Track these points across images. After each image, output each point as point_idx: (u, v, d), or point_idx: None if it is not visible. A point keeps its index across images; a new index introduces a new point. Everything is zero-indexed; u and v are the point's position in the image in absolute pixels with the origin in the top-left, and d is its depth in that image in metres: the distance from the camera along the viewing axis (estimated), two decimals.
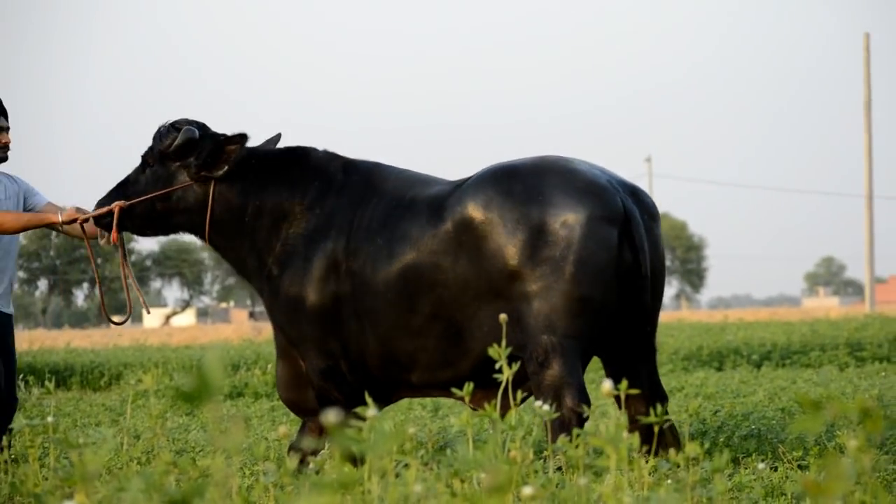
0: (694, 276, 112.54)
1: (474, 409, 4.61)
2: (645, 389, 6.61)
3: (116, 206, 7.14)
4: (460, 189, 6.72)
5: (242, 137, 7.07)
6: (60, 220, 7.30)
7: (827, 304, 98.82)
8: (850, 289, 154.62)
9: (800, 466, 6.58)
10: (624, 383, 4.01)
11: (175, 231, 7.36)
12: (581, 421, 6.22)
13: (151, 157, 7.20)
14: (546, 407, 4.28)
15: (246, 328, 45.93)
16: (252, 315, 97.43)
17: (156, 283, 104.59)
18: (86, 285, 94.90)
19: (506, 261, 6.45)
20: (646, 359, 6.70)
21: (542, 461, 4.77)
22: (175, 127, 7.12)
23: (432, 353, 6.67)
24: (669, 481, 4.05)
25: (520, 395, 4.29)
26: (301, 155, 7.19)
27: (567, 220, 6.40)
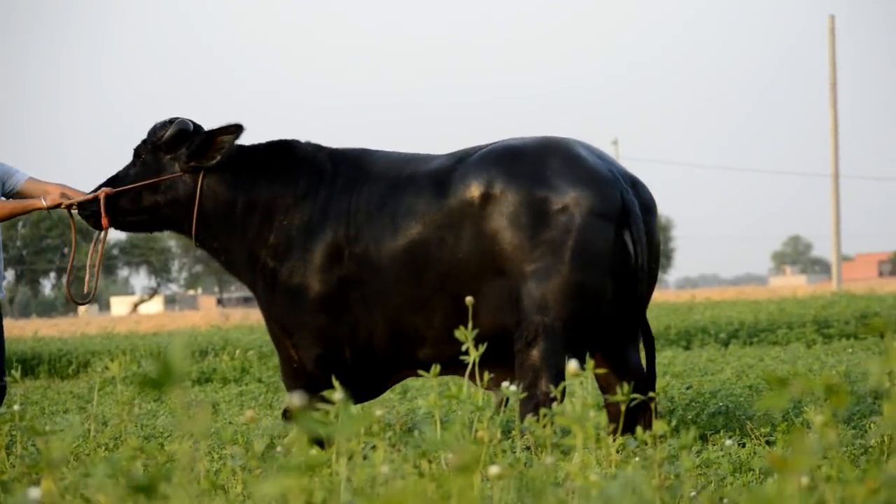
0: (661, 256, 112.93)
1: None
2: (630, 374, 6.69)
3: (102, 192, 7.11)
4: (464, 165, 6.77)
5: (238, 128, 7.05)
6: (45, 205, 7.25)
7: (794, 283, 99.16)
8: (817, 267, 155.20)
9: (767, 442, 6.61)
10: (590, 363, 4.01)
11: (161, 226, 7.31)
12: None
13: (144, 150, 7.19)
14: (513, 388, 4.28)
15: (214, 315, 45.79)
16: (220, 301, 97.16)
17: (123, 272, 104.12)
18: (52, 275, 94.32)
19: (506, 240, 6.55)
20: (633, 345, 6.78)
21: (510, 441, 4.78)
22: (170, 121, 7.13)
23: (438, 329, 6.73)
24: (637, 459, 4.06)
25: (486, 376, 4.30)
26: (287, 148, 7.19)
27: (567, 206, 6.50)
